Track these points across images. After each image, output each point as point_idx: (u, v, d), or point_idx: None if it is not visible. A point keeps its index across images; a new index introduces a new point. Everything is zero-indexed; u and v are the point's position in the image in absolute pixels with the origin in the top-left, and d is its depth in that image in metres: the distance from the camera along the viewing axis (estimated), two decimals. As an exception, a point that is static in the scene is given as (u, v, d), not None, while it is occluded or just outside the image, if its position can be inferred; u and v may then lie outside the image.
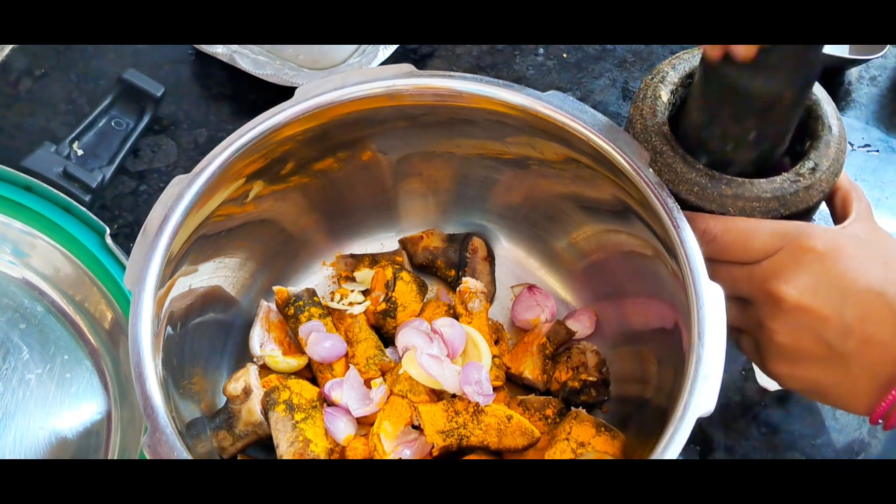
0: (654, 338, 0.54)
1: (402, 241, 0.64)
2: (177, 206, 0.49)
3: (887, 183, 0.73)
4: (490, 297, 0.62)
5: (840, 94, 0.77)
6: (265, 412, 0.52)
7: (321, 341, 0.55)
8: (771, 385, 0.61)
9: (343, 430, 0.53)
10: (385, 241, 0.65)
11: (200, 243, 0.52)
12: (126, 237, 0.65)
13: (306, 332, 0.56)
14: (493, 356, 0.56)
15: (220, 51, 0.70)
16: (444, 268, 0.63)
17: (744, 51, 0.45)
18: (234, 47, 0.71)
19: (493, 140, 0.57)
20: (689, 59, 0.58)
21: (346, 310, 0.59)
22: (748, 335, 0.51)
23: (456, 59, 0.77)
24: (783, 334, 0.47)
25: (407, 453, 0.50)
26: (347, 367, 0.55)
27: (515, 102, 0.52)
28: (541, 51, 0.78)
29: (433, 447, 0.51)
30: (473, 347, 0.55)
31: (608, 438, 0.52)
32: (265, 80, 0.69)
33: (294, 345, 0.58)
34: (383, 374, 0.55)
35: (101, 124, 0.67)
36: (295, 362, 0.56)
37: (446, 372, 0.52)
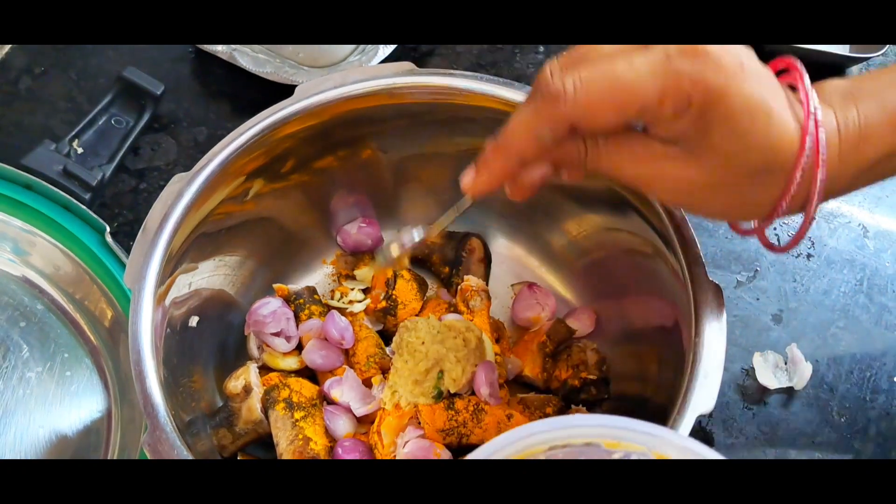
0: (654, 336, 0.54)
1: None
2: (177, 204, 0.49)
3: (888, 181, 0.72)
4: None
5: (840, 93, 0.77)
6: (265, 410, 0.52)
7: (317, 349, 0.55)
8: (771, 383, 0.61)
9: (343, 428, 0.53)
10: (386, 240, 0.65)
11: (200, 241, 0.52)
12: (126, 235, 0.65)
13: (306, 330, 0.56)
14: (495, 354, 0.56)
15: (219, 49, 0.70)
16: (438, 263, 0.62)
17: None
18: (234, 45, 0.71)
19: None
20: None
21: (347, 308, 0.59)
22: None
23: (456, 57, 0.77)
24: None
25: (407, 452, 0.50)
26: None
27: (516, 101, 0.52)
28: (541, 49, 0.78)
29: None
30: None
31: (608, 437, 0.52)
32: (265, 78, 0.69)
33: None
34: (384, 373, 0.55)
35: (100, 122, 0.67)
36: (295, 362, 0.56)
37: None
